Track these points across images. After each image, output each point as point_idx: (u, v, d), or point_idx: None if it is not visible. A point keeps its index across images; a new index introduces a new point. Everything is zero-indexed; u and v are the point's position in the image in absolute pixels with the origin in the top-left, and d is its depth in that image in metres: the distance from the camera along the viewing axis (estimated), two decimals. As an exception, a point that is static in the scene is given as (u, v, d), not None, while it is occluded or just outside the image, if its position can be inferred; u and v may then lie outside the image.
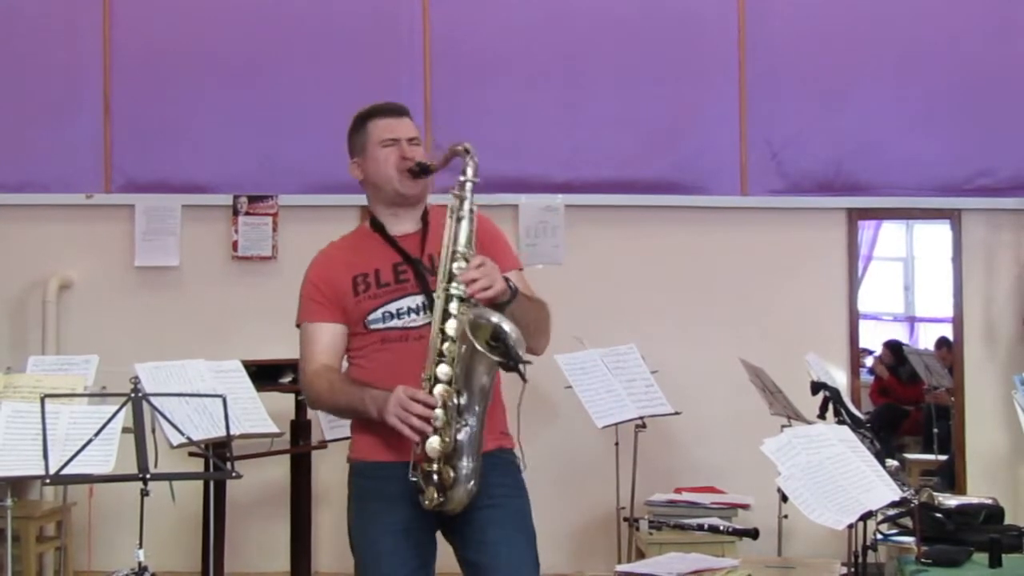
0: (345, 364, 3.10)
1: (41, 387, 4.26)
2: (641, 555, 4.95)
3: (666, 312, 6.15)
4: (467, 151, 2.95)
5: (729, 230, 6.20)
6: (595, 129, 6.22)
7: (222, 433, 4.04)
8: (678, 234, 6.22)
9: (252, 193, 6.22)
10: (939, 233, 6.56)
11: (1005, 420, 5.92)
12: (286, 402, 5.28)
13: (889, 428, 7.38)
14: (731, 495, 5.41)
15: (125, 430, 3.90)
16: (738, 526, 4.90)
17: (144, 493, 3.76)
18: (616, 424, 5.10)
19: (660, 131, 6.22)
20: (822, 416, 4.81)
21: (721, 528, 4.87)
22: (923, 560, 3.78)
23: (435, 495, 2.86)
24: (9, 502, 4.09)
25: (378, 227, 3.10)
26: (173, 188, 6.26)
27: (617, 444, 5.23)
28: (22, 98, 6.30)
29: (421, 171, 3.03)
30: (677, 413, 5.23)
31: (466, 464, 2.85)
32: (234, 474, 4.01)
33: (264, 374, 4.99)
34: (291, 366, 5.20)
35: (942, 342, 6.98)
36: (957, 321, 6.28)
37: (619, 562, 5.10)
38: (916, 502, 4.11)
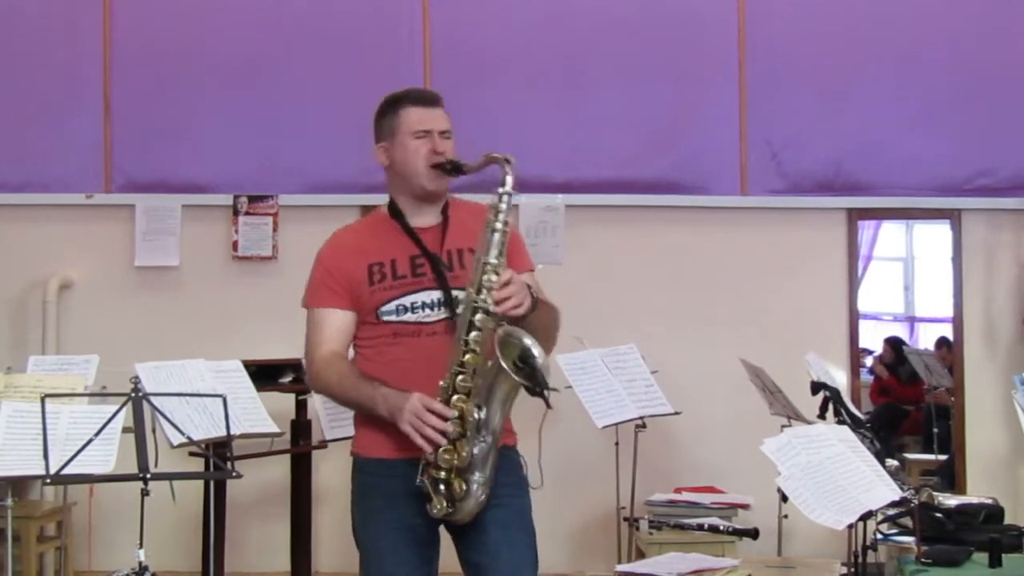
0: (351, 352, 3.07)
1: (41, 387, 4.26)
2: (641, 555, 4.94)
3: (666, 312, 6.14)
4: (507, 160, 2.87)
5: (729, 230, 6.20)
6: (595, 129, 6.22)
7: (222, 433, 4.04)
8: (678, 234, 6.22)
9: (252, 193, 6.22)
10: (939, 233, 6.56)
11: (1005, 420, 5.92)
12: (286, 402, 5.27)
13: (889, 428, 7.39)
14: (731, 495, 5.41)
15: (125, 430, 3.90)
16: (738, 526, 4.89)
17: (144, 493, 3.75)
18: (616, 424, 5.09)
19: (660, 131, 6.22)
20: (822, 416, 4.82)
21: (721, 528, 4.86)
22: (923, 560, 3.78)
23: (444, 504, 2.84)
24: (9, 502, 4.09)
25: (397, 214, 3.04)
26: (173, 188, 6.26)
27: (617, 444, 5.24)
28: (22, 98, 6.30)
29: (453, 169, 2.97)
30: (677, 413, 5.23)
31: (479, 477, 2.83)
32: (234, 474, 4.01)
33: (264, 374, 4.98)
34: (291, 366, 5.21)
35: (942, 342, 6.98)
36: (957, 321, 6.28)
37: (619, 562, 5.10)
38: (916, 502, 4.10)
